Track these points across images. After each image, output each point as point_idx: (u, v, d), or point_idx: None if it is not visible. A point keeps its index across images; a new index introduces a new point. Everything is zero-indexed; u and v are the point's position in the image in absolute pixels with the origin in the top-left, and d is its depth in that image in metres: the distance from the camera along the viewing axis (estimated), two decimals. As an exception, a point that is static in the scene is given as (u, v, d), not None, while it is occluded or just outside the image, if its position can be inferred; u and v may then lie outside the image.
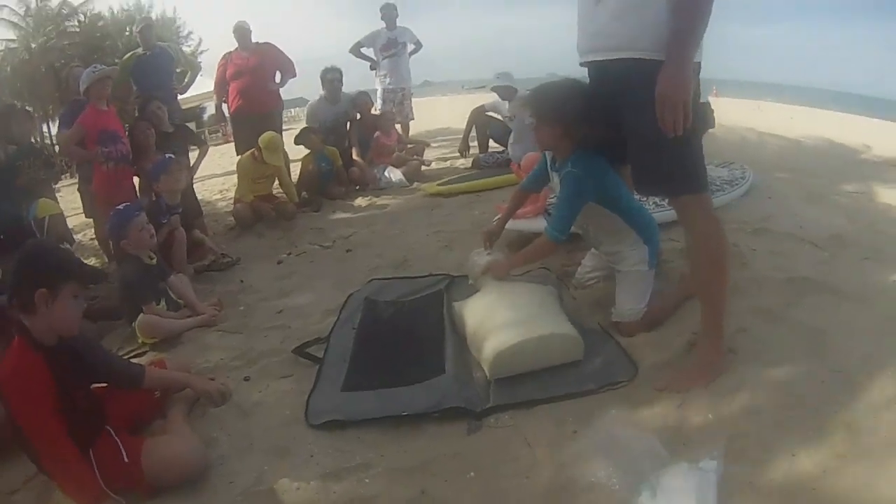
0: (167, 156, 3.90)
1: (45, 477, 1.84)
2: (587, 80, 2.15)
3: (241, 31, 5.70)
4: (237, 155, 5.53)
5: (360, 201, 5.33)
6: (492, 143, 6.23)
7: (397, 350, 2.50)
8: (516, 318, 2.24)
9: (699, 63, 1.82)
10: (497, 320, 2.26)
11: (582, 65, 2.11)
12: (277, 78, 5.85)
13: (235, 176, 5.24)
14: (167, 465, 1.82)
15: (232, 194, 5.51)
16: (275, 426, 2.11)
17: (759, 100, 15.27)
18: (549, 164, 2.50)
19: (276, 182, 5.16)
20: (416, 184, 5.67)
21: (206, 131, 16.31)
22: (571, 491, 1.61)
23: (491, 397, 2.07)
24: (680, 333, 2.28)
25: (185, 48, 20.76)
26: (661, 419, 1.83)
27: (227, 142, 10.94)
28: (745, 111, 11.19)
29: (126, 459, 1.79)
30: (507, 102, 5.63)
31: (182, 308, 3.11)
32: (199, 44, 22.55)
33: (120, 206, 3.10)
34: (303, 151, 5.66)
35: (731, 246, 2.48)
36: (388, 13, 6.84)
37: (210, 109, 18.10)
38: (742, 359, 2.06)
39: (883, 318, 2.27)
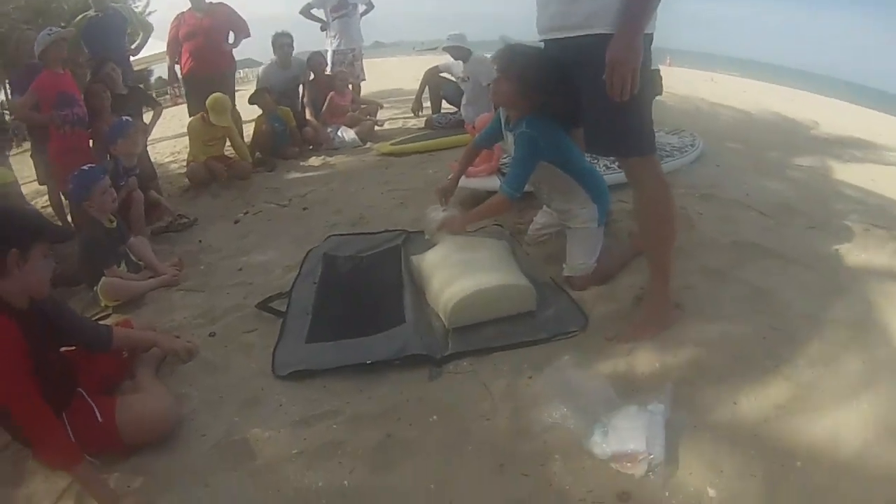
0: (125, 118, 3.76)
1: (18, 446, 1.79)
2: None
3: None
4: (190, 117, 5.33)
5: (314, 161, 5.24)
6: (445, 103, 6.15)
7: (358, 302, 2.50)
8: (472, 270, 2.27)
9: (651, 35, 1.84)
10: (454, 272, 2.29)
11: (541, 41, 2.12)
12: (230, 38, 5.57)
13: (187, 138, 5.04)
14: (141, 422, 1.79)
15: (184, 157, 5.36)
16: (243, 379, 2.11)
17: (713, 71, 15.25)
18: (503, 124, 2.51)
19: (229, 143, 4.99)
20: (369, 144, 5.57)
21: (154, 94, 15.60)
22: (530, 431, 1.68)
23: (449, 345, 2.11)
24: (628, 288, 2.34)
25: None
26: (610, 366, 1.90)
27: (176, 104, 10.51)
28: (698, 82, 11.30)
29: (100, 419, 1.75)
30: (460, 63, 5.51)
31: (142, 270, 3.03)
32: (147, 4, 21.14)
33: (85, 167, 2.98)
34: (255, 112, 5.49)
35: (679, 209, 2.53)
36: None
37: (157, 72, 17.16)
38: (688, 314, 2.14)
39: (824, 281, 2.37)
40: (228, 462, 1.71)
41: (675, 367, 1.86)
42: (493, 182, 3.21)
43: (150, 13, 20.41)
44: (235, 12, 5.60)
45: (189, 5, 5.46)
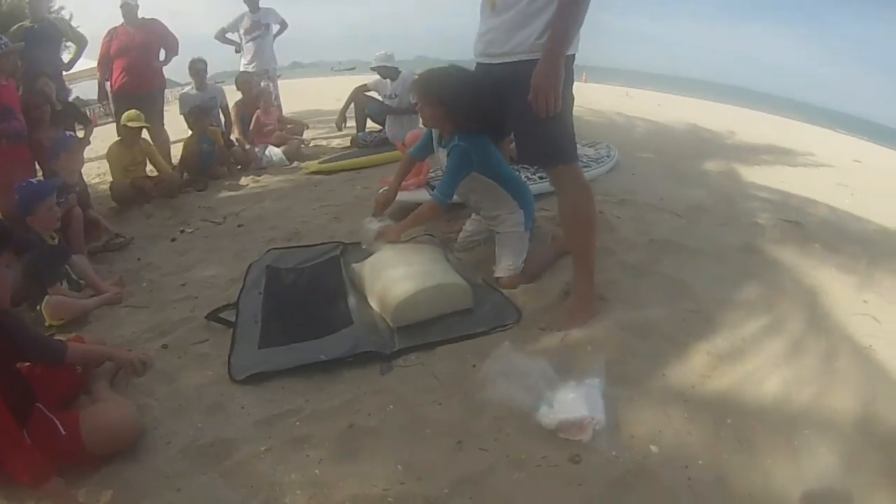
0: (68, 134, 3.52)
1: None
2: (470, 68, 2.29)
3: (128, 7, 5.05)
4: (118, 135, 5.03)
5: (244, 180, 5.04)
6: (369, 122, 6.05)
7: (304, 309, 2.46)
8: (412, 272, 2.30)
9: (573, 55, 1.98)
10: (395, 275, 2.31)
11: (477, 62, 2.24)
12: (161, 56, 5.29)
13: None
14: (106, 431, 1.67)
15: (110, 178, 5.01)
16: (201, 386, 2.02)
17: (628, 87, 15.55)
18: (435, 141, 2.57)
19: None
20: (295, 163, 5.43)
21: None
22: (481, 411, 1.74)
23: (396, 342, 2.12)
24: (556, 285, 2.43)
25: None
26: (546, 351, 1.98)
27: (95, 124, 9.80)
28: (614, 97, 11.62)
29: (63, 432, 1.62)
30: (388, 81, 5.49)
31: (83, 288, 2.82)
32: (71, 19, 19.41)
33: (33, 181, 2.78)
34: (184, 132, 5.25)
35: (598, 214, 2.67)
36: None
37: (75, 91, 16.01)
38: (613, 304, 2.26)
39: (733, 270, 2.56)
40: (197, 465, 1.64)
41: (605, 349, 1.96)
42: (422, 194, 3.26)
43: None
44: (167, 29, 5.33)
45: (122, 20, 5.11)
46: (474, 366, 1.96)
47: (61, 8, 19.18)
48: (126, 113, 4.45)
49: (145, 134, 4.71)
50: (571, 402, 1.60)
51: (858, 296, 2.44)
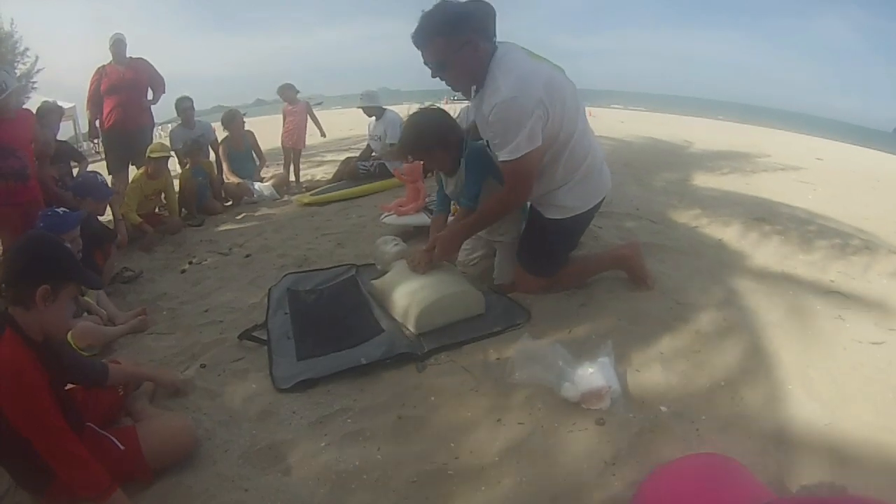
0: (99, 178, 3.56)
1: (15, 496, 1.64)
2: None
3: (118, 44, 5.09)
4: (109, 172, 5.05)
5: (238, 215, 5.15)
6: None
7: (334, 323, 2.56)
8: (430, 283, 2.48)
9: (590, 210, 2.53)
10: (414, 286, 2.48)
11: None
12: (149, 94, 5.36)
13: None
14: (167, 442, 1.72)
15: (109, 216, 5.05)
16: (248, 399, 2.07)
17: (591, 106, 16.23)
18: (442, 179, 2.76)
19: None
20: (286, 196, 5.58)
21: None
22: (513, 392, 1.92)
23: (424, 345, 2.28)
24: (555, 290, 2.63)
25: (20, 66, 17.70)
26: (558, 341, 2.14)
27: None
28: None
29: (122, 447, 1.64)
30: (373, 120, 5.58)
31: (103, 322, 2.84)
32: (36, 62, 19.10)
33: (58, 210, 2.79)
34: (174, 169, 5.35)
35: None
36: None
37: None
38: (609, 299, 2.49)
39: (710, 265, 2.82)
40: (260, 467, 1.71)
41: (608, 334, 2.18)
42: (421, 218, 3.45)
43: (38, 71, 18.65)
44: (154, 68, 5.39)
45: (108, 59, 5.18)
46: (498, 358, 2.15)
47: (27, 49, 19.01)
48: (150, 145, 4.56)
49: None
50: (590, 376, 1.80)
51: (825, 276, 2.74)
